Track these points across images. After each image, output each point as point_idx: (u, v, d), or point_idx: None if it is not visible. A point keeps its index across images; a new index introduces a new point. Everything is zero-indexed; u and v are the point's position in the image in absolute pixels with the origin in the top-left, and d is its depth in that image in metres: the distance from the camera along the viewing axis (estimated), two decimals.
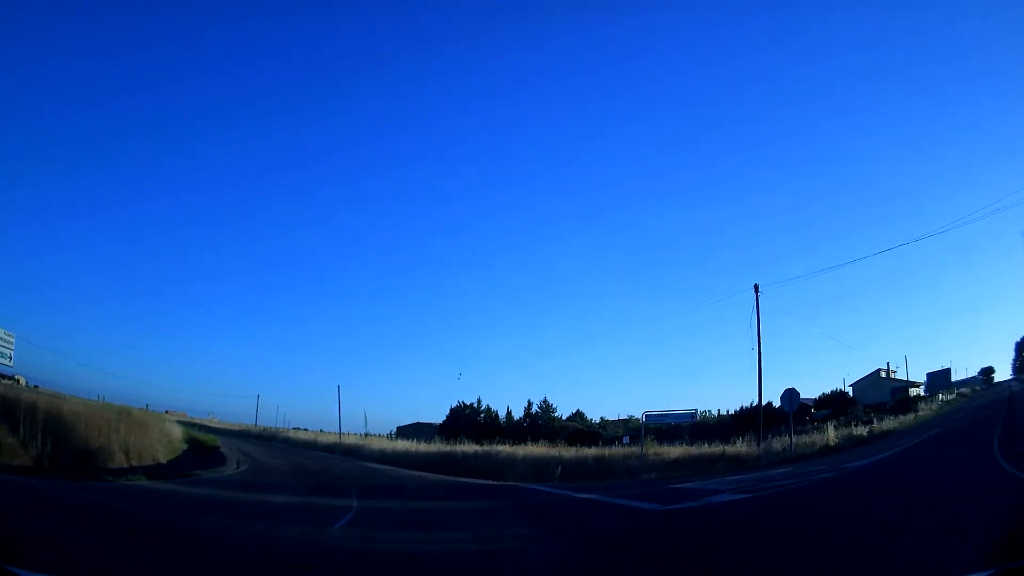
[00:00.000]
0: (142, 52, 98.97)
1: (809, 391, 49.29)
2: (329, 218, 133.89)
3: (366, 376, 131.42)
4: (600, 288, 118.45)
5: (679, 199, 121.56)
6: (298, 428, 77.72)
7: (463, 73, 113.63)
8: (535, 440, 37.76)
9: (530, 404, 64.35)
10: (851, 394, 50.12)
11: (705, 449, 27.92)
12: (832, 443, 27.71)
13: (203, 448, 34.31)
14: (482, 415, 63.21)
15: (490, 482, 23.17)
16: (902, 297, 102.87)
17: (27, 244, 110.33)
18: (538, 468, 26.26)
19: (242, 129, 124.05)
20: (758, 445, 29.23)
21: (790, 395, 27.75)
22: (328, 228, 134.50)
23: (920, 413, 38.72)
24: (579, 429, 58.97)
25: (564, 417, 63.19)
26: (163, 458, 22.53)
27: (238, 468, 24.69)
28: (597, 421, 65.72)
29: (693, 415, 26.43)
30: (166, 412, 59.26)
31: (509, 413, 64.18)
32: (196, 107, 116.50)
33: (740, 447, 29.48)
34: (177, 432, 34.21)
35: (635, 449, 28.29)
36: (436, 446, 36.16)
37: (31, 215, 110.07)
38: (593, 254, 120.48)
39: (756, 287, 31.84)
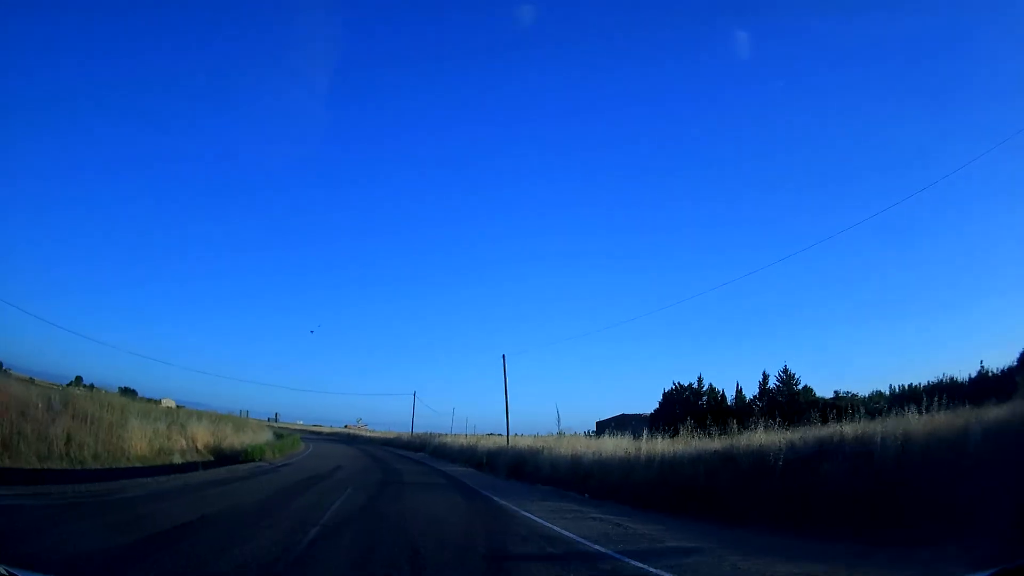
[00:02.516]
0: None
1: None
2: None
3: (560, 370, 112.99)
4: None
5: None
6: (466, 433, 61.86)
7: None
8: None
9: (766, 378, 47.00)
10: None
11: None
12: None
13: (229, 459, 18.10)
14: (704, 397, 48.51)
15: None
16: None
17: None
18: None
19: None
20: None
21: None
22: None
23: None
24: (828, 403, 38.69)
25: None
26: None
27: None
28: (830, 396, 45.53)
29: None
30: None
31: (739, 391, 48.68)
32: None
33: None
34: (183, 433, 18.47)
35: None
36: (684, 441, 15.18)
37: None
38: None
39: None
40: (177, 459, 16.11)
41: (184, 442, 17.90)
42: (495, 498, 13.86)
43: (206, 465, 16.23)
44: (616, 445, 16.77)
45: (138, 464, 13.99)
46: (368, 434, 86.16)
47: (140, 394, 68.74)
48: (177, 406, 65.74)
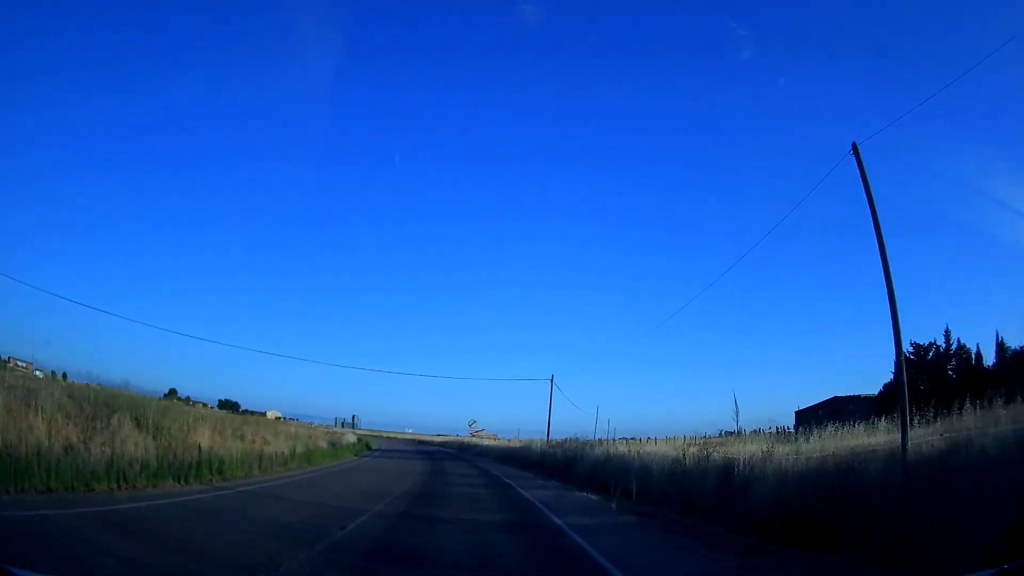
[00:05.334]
0: None
1: None
2: None
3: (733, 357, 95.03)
4: None
5: None
6: (612, 439, 49.45)
7: None
8: None
9: None
10: None
11: None
12: None
13: None
14: (953, 361, 33.56)
15: None
16: None
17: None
18: None
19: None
20: None
21: None
22: None
23: None
24: None
25: None
26: None
27: None
28: None
29: None
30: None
31: (1001, 344, 32.35)
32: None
33: None
34: None
35: None
36: None
37: None
38: None
39: None
40: None
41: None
42: None
43: None
44: None
45: None
46: (488, 442, 70.20)
47: (243, 406, 67.19)
48: (278, 418, 62.62)
